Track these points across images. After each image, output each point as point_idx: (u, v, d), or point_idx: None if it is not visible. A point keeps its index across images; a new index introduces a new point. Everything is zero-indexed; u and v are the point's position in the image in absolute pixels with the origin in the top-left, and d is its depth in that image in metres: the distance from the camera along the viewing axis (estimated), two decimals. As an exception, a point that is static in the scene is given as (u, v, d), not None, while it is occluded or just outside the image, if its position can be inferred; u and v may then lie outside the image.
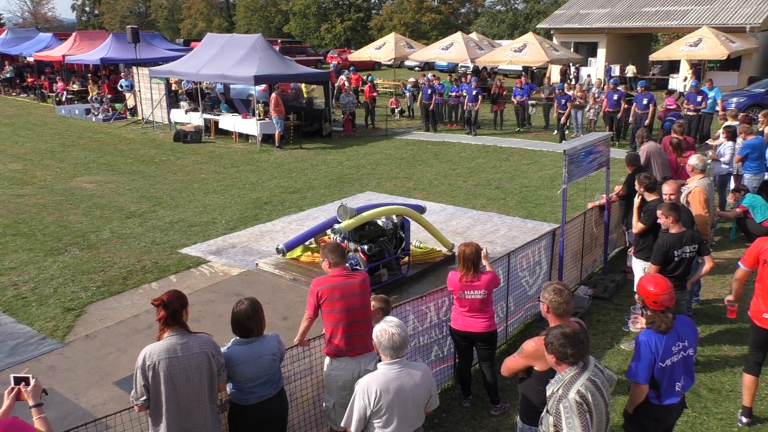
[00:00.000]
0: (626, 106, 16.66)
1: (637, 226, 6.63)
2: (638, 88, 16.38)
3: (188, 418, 3.63)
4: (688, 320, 4.13)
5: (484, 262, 5.24)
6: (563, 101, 17.75)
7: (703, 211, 6.86)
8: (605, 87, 18.79)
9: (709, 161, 10.21)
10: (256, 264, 8.61)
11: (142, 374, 3.56)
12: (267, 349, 3.90)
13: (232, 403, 3.97)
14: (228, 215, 11.10)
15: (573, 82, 25.62)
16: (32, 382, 3.16)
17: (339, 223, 7.53)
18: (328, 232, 8.13)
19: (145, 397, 3.58)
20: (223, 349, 3.88)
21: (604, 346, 6.43)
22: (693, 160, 7.40)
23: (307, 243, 8.61)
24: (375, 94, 23.31)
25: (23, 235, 10.07)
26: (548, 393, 3.33)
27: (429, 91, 19.83)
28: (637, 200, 6.91)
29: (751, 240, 9.17)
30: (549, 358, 3.34)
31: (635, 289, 6.70)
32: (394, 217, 8.07)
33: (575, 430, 3.17)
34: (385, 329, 3.53)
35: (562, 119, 17.55)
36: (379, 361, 3.63)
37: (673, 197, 6.30)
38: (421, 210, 8.88)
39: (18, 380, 3.16)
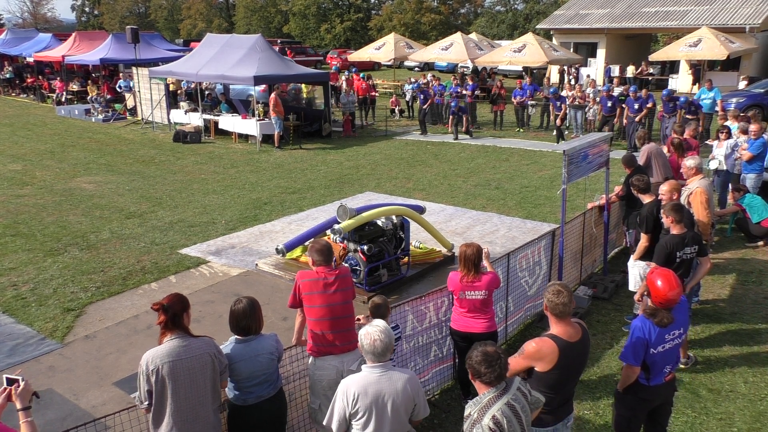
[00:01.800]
0: (622, 108, 16.72)
1: (642, 244, 6.43)
2: (630, 93, 16.27)
3: (193, 422, 3.63)
4: (683, 305, 4.22)
5: (485, 262, 5.24)
6: (558, 103, 17.83)
7: (705, 211, 6.85)
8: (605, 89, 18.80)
9: (715, 163, 10.19)
10: (256, 264, 8.61)
11: (146, 379, 3.55)
12: (265, 348, 3.90)
13: (230, 403, 3.96)
14: (228, 215, 11.10)
15: (573, 83, 25.61)
16: (22, 384, 3.12)
17: (339, 223, 7.52)
18: (328, 232, 8.13)
19: (149, 402, 3.58)
20: (221, 348, 3.89)
21: (604, 346, 6.43)
22: (690, 161, 7.39)
23: (306, 243, 8.61)
24: (375, 93, 23.36)
25: (23, 236, 10.06)
26: (465, 414, 3.20)
27: (422, 96, 19.72)
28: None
29: (750, 240, 9.24)
30: (470, 374, 3.22)
31: (631, 288, 6.73)
32: (393, 217, 8.07)
33: None
34: (368, 333, 3.48)
35: (558, 122, 17.54)
36: (364, 362, 3.62)
37: (665, 197, 6.29)
38: (421, 210, 8.88)
39: (10, 381, 3.14)
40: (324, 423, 3.66)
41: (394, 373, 3.52)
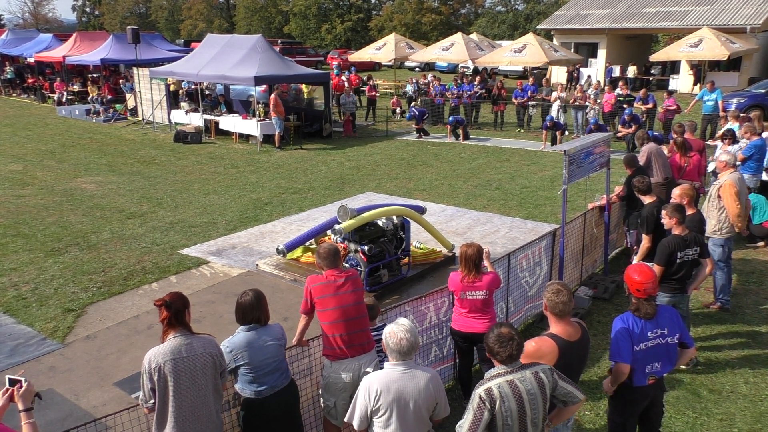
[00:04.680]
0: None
1: (644, 245, 6.44)
2: (625, 115, 15.93)
3: (195, 422, 3.63)
4: (670, 310, 4.25)
5: (485, 262, 5.24)
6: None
7: (735, 203, 6.92)
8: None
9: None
10: (257, 265, 8.61)
11: (149, 377, 3.55)
12: (272, 335, 3.96)
13: (246, 399, 3.97)
14: (228, 216, 11.10)
15: (573, 83, 25.62)
16: (24, 385, 3.12)
17: (339, 223, 7.53)
18: (329, 232, 8.13)
19: (153, 400, 3.58)
20: (229, 339, 3.92)
21: (605, 346, 6.42)
22: (723, 156, 7.47)
23: (307, 244, 8.61)
24: (375, 94, 23.41)
25: (23, 236, 10.07)
26: None
27: (416, 112, 19.49)
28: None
29: (751, 240, 9.23)
30: (486, 352, 3.37)
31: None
32: (394, 217, 8.08)
33: (465, 423, 3.23)
34: (394, 332, 3.52)
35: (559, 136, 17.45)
36: (381, 361, 3.64)
37: (676, 201, 6.28)
38: (422, 211, 8.87)
39: (13, 382, 3.13)
40: (345, 419, 3.71)
41: (416, 372, 3.56)
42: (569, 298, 3.75)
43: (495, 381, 3.24)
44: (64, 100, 26.39)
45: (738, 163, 9.84)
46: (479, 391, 3.22)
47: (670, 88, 27.10)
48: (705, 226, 6.52)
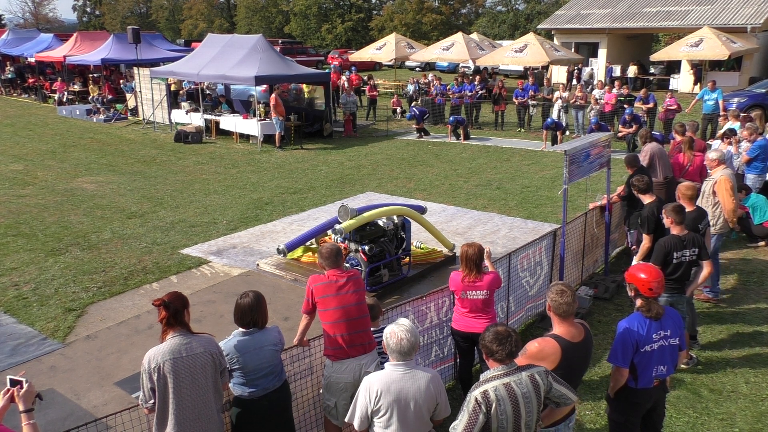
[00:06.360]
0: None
1: (644, 245, 6.42)
2: (626, 115, 15.88)
3: (196, 421, 3.63)
4: (673, 312, 4.25)
5: (486, 262, 5.24)
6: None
7: (730, 198, 6.96)
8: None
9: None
10: (257, 264, 8.61)
11: (148, 377, 3.55)
12: (269, 340, 3.95)
13: (237, 398, 3.97)
14: (229, 216, 11.10)
15: (574, 82, 25.54)
16: (25, 386, 3.11)
17: (340, 223, 7.53)
18: (329, 232, 8.13)
19: (153, 401, 3.58)
20: (225, 341, 3.91)
21: (605, 346, 6.42)
22: (713, 154, 7.47)
23: (308, 243, 8.62)
24: (375, 93, 23.42)
25: (24, 236, 10.07)
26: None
27: (416, 112, 19.50)
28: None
29: (752, 240, 9.23)
30: (484, 353, 3.36)
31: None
32: (394, 217, 8.08)
33: (459, 425, 3.22)
34: (394, 332, 3.52)
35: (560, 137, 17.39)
36: (382, 362, 3.64)
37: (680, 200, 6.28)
38: (422, 210, 8.87)
39: (14, 382, 3.13)
40: (346, 419, 3.71)
41: (417, 372, 3.55)
42: (573, 299, 3.74)
43: (491, 384, 3.22)
44: (64, 99, 26.40)
45: (742, 164, 9.88)
46: (475, 393, 3.21)
47: (670, 87, 27.08)
48: (700, 224, 6.51)
